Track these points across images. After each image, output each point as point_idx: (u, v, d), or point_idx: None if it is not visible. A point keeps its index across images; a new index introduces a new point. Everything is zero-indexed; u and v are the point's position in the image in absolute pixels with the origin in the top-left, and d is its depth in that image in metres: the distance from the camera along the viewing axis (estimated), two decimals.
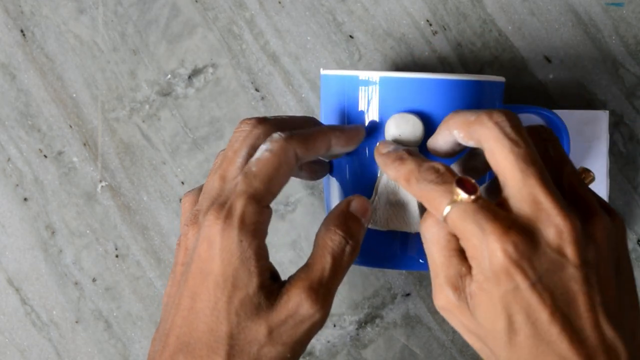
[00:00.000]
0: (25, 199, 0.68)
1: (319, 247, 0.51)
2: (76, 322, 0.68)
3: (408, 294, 0.67)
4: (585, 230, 0.47)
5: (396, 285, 0.67)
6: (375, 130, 0.56)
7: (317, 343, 0.67)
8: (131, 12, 0.67)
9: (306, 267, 0.51)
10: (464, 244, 0.47)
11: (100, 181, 0.68)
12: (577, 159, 0.64)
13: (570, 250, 0.46)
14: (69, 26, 0.68)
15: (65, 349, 0.68)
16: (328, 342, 0.67)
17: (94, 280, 0.68)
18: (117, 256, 0.68)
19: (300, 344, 0.50)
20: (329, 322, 0.67)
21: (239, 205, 0.49)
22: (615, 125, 0.66)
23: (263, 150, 0.51)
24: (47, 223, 0.68)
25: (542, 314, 0.46)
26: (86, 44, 0.68)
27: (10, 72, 0.68)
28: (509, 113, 0.49)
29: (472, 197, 0.47)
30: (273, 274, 0.51)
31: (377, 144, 0.54)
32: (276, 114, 0.67)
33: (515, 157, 0.47)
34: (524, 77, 0.66)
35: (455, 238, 0.49)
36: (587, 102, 0.66)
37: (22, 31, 0.68)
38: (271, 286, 0.50)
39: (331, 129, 0.54)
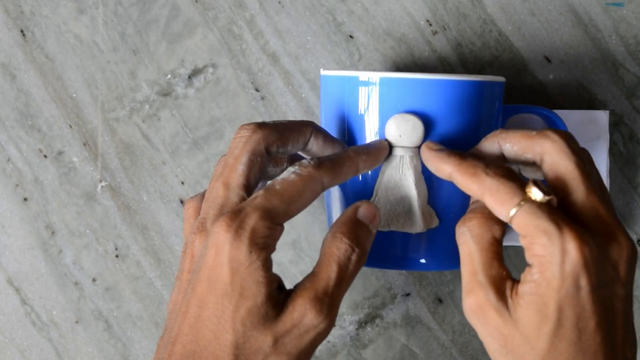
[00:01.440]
0: (25, 199, 0.68)
1: (325, 255, 0.51)
2: (76, 322, 0.68)
3: (408, 294, 0.67)
4: None
5: (396, 285, 0.67)
6: (375, 130, 0.56)
7: None
8: (131, 12, 0.67)
9: (312, 276, 0.51)
10: (528, 241, 0.48)
11: (100, 181, 0.68)
12: None
13: (623, 269, 0.48)
14: (69, 26, 0.68)
15: (65, 349, 0.68)
16: (328, 342, 0.67)
17: (94, 280, 0.68)
18: (117, 256, 0.68)
19: (304, 354, 0.50)
20: None
21: (252, 218, 0.49)
22: (615, 125, 0.66)
23: (290, 172, 0.51)
24: (47, 223, 0.68)
25: (591, 322, 0.47)
26: (86, 44, 0.68)
27: (10, 72, 0.68)
28: (569, 133, 0.51)
29: (547, 197, 0.48)
30: (280, 284, 0.51)
31: (426, 142, 0.54)
32: (276, 114, 0.67)
33: (581, 173, 0.49)
34: (524, 77, 0.66)
35: (497, 242, 0.50)
36: (587, 102, 0.66)
37: (22, 31, 0.68)
38: (278, 296, 0.50)
39: (357, 152, 0.54)
